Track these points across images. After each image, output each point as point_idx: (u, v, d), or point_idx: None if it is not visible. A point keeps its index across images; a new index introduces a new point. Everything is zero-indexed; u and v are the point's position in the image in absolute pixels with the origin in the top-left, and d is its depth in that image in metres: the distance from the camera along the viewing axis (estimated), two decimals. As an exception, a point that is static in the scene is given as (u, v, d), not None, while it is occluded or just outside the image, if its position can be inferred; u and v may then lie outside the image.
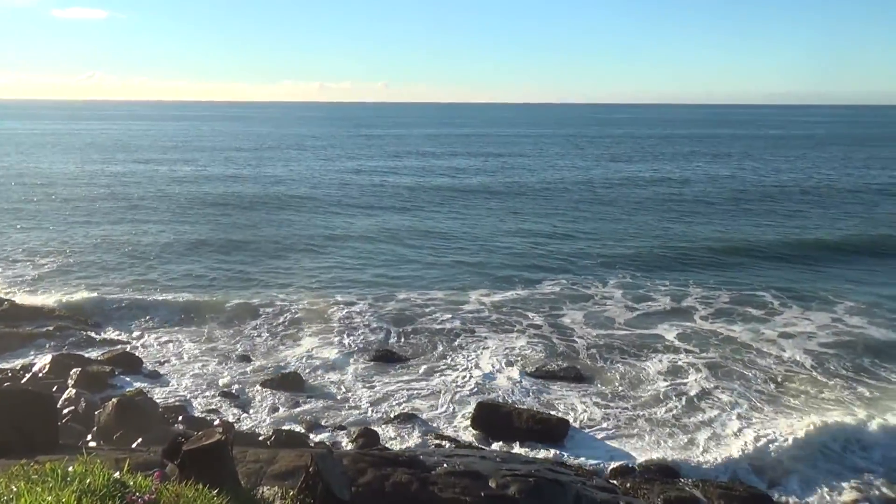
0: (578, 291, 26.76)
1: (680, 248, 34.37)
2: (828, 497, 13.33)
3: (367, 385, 18.35)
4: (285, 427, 15.67)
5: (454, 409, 17.10)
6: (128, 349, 20.36)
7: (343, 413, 16.77)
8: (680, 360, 20.06)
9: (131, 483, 5.70)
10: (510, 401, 17.33)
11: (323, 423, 16.11)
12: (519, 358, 20.17)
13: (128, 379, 18.22)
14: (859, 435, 15.74)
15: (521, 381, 18.67)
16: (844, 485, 13.73)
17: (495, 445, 15.07)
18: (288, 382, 18.13)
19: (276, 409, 16.82)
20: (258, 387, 17.98)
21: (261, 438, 14.80)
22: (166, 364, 19.56)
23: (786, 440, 15.20)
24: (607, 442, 15.47)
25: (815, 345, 21.24)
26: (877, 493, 13.52)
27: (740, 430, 15.89)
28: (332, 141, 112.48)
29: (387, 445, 14.88)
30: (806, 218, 43.15)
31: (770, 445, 15.07)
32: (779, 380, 18.68)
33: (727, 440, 15.51)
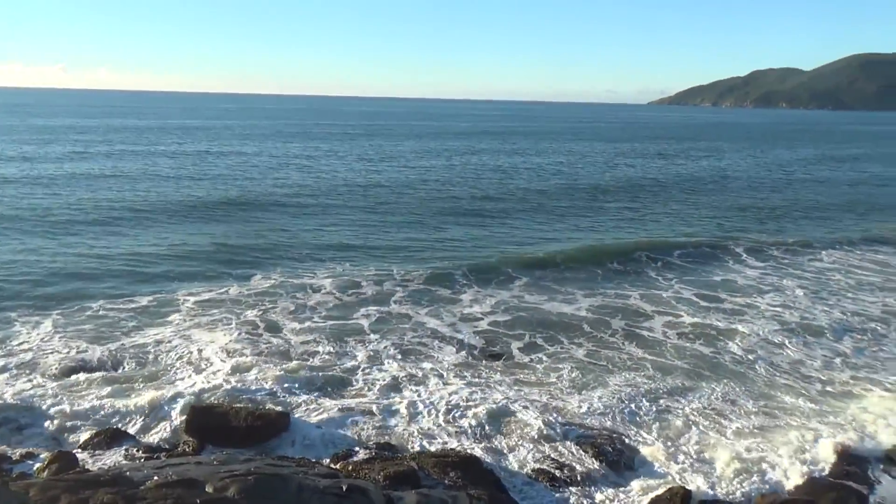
0: (290, 283, 26.62)
1: (384, 234, 36.13)
2: (520, 454, 14.87)
3: (60, 406, 16.32)
4: (-45, 465, 13.38)
5: (165, 418, 16.01)
6: None
7: (31, 439, 14.81)
8: (381, 344, 21.00)
9: None
10: (226, 401, 16.70)
11: (4, 454, 14.03)
12: (233, 356, 19.51)
13: None
14: (541, 398, 17.88)
15: (236, 380, 18.06)
16: (529, 445, 15.45)
17: (214, 449, 14.44)
18: (-44, 413, 15.49)
19: (-58, 446, 14.29)
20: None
21: (-79, 483, 12.45)
22: None
23: (479, 408, 16.72)
24: (327, 429, 15.66)
25: (493, 322, 23.39)
26: (562, 451, 15.43)
27: (441, 402, 17.11)
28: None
29: (87, 468, 13.43)
30: (492, 204, 47.78)
31: (468, 413, 16.50)
32: (462, 357, 20.34)
33: (433, 413, 16.63)
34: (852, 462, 14.63)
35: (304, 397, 17.22)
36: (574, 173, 68.30)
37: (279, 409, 16.24)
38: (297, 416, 16.14)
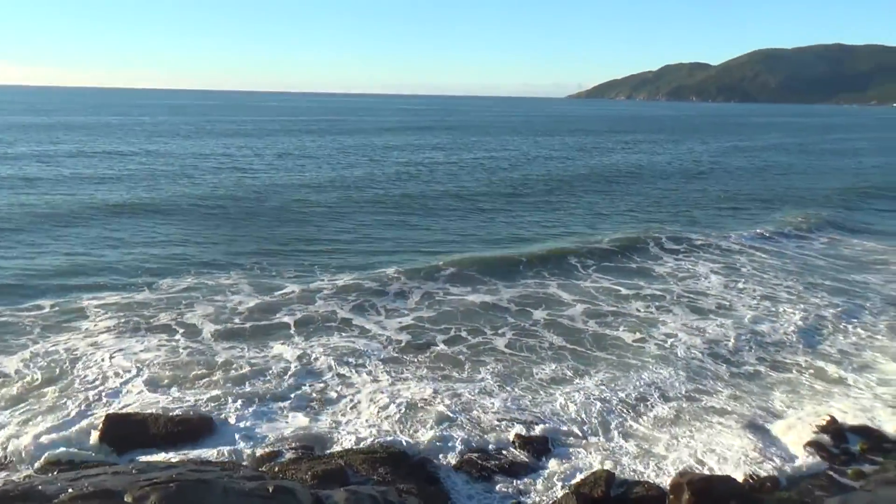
0: (206, 286, 25.70)
1: (305, 233, 35.70)
2: (448, 446, 14.95)
3: (-38, 419, 15.46)
4: None
5: (79, 428, 15.28)
6: None
7: (-70, 458, 13.93)
8: (306, 343, 20.69)
9: None
10: (146, 408, 16.13)
11: None
12: (149, 361, 18.85)
13: None
14: (466, 390, 18.05)
15: (154, 385, 17.50)
16: (456, 437, 15.58)
17: (134, 457, 13.94)
18: None
19: None
20: None
21: None
22: None
23: (406, 403, 16.76)
24: (252, 431, 15.37)
25: (418, 318, 23.35)
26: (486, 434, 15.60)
27: (368, 399, 17.06)
28: None
29: (-6, 484, 12.74)
30: (416, 201, 47.85)
31: (395, 408, 16.48)
32: (388, 353, 20.22)
33: (360, 410, 16.57)
34: (767, 440, 15.36)
35: (228, 400, 16.76)
36: (494, 167, 69.01)
37: (201, 412, 15.82)
38: (220, 419, 15.76)
